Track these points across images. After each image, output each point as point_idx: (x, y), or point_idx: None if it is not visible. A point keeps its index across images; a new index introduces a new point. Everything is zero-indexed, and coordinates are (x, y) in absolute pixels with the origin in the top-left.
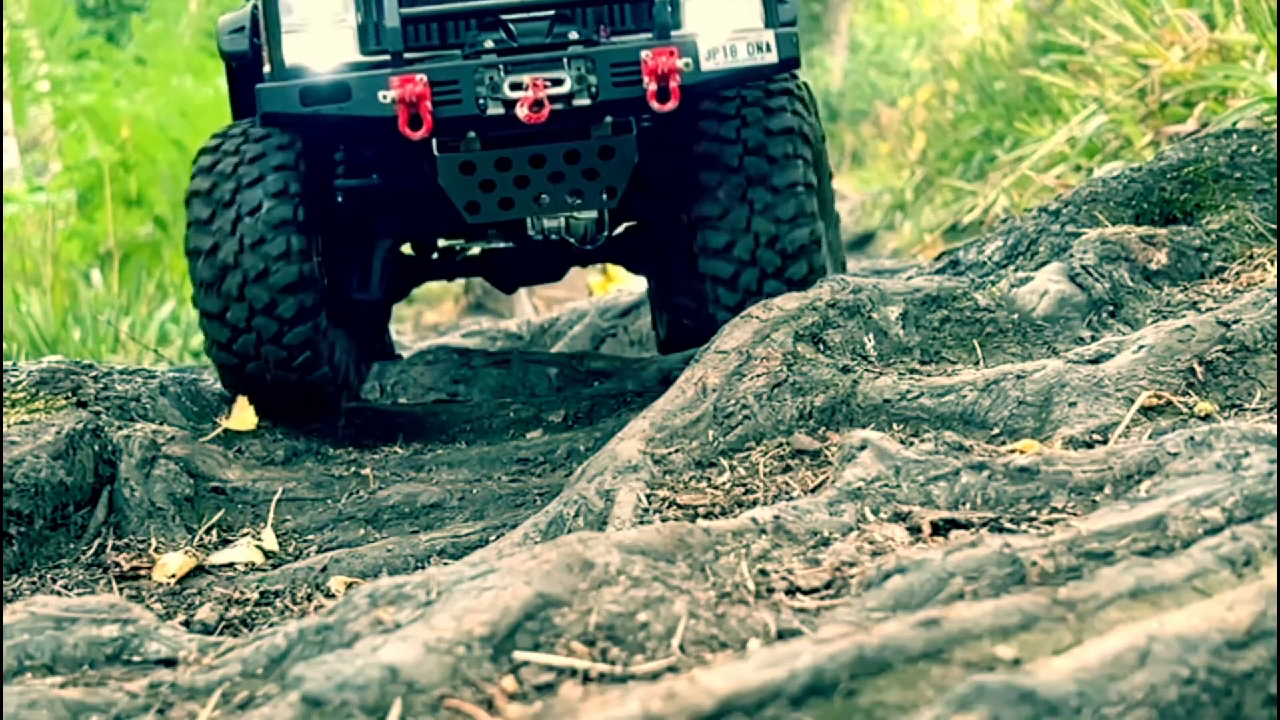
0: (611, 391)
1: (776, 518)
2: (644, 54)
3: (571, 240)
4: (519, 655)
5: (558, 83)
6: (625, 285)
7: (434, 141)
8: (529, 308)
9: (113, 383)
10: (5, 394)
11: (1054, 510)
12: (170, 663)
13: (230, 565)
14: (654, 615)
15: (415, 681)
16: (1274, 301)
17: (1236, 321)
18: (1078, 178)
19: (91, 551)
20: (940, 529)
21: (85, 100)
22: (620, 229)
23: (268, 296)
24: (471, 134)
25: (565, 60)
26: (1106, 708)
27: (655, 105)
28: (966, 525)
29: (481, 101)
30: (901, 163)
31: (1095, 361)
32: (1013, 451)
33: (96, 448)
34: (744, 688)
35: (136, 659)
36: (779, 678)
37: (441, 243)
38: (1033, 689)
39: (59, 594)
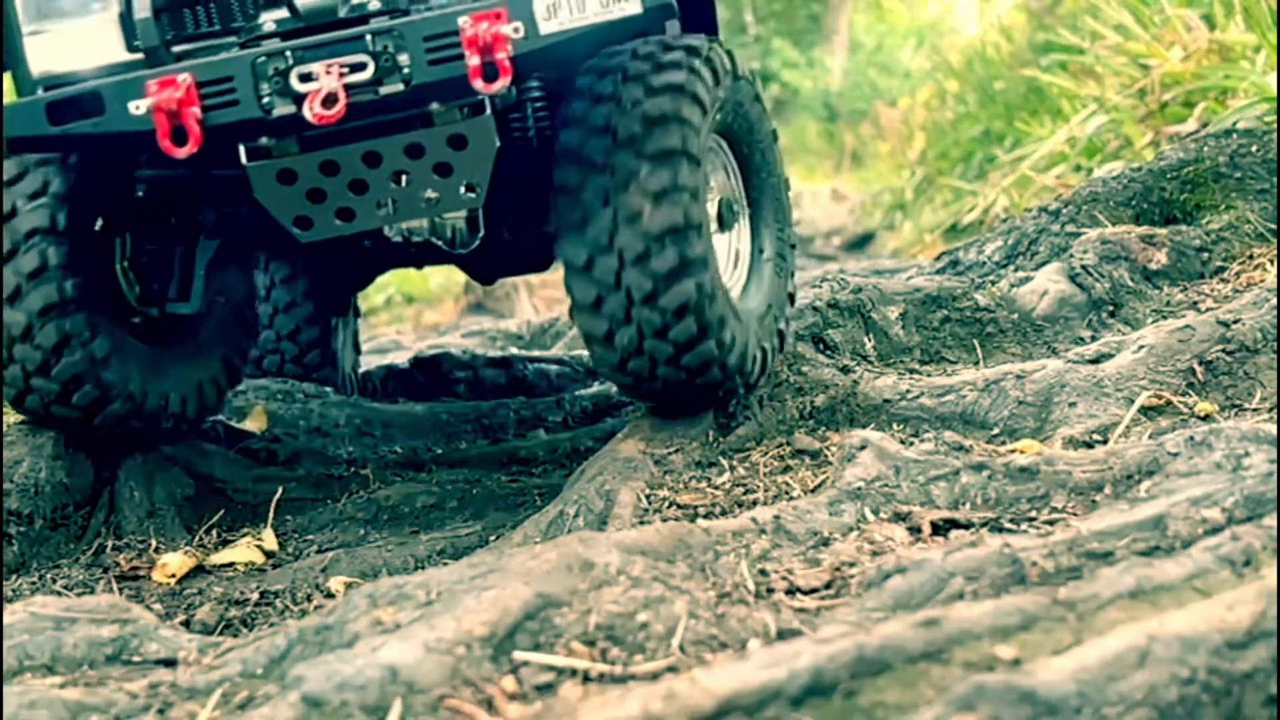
0: (612, 391)
1: (776, 518)
2: (462, 21)
3: (440, 244)
4: (519, 655)
5: (358, 68)
6: None
7: (241, 148)
8: (529, 308)
9: None
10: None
11: (1054, 510)
12: (170, 663)
13: (230, 565)
14: (654, 615)
15: (415, 682)
16: (1274, 301)
17: (1236, 321)
18: (1078, 178)
19: (91, 552)
20: (940, 529)
21: None
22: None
23: (25, 321)
24: (265, 139)
25: (367, 38)
26: (1106, 708)
27: (480, 86)
28: (966, 525)
29: (266, 100)
30: (901, 162)
31: (1095, 361)
32: (1013, 451)
33: (96, 448)
34: (744, 688)
35: (136, 659)
36: (779, 678)
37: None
38: (1033, 689)
39: (59, 594)
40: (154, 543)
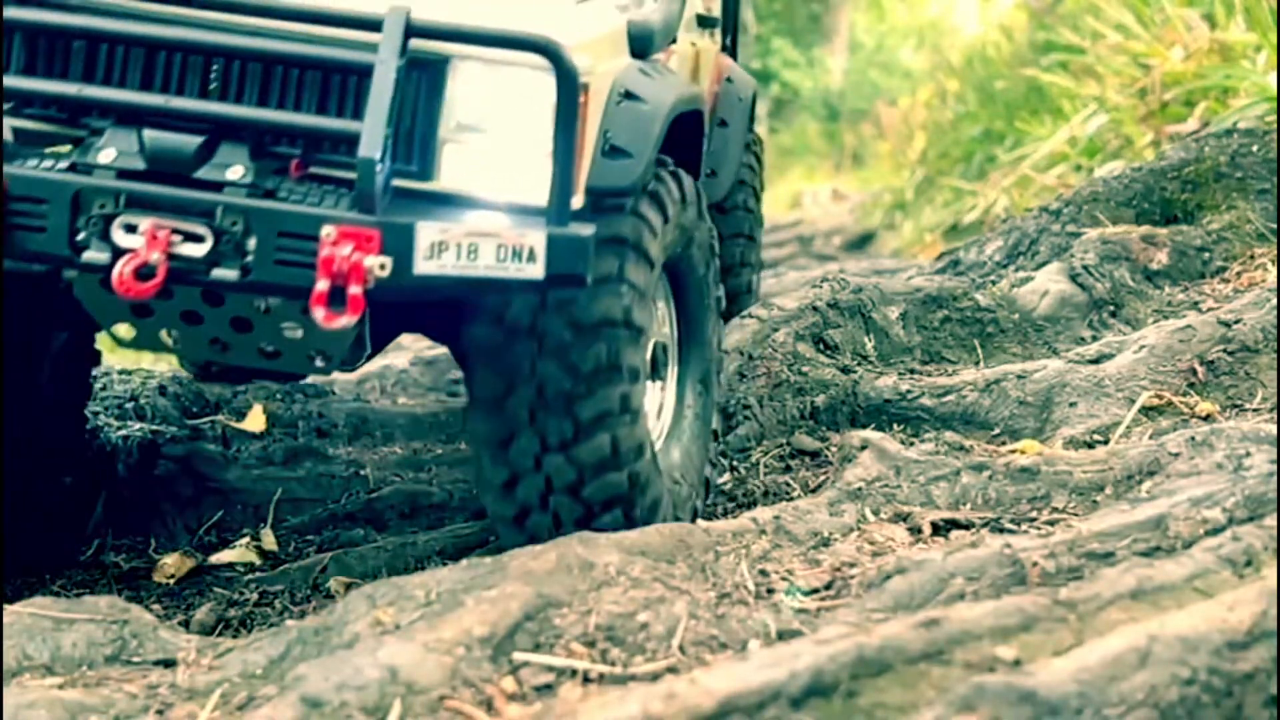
0: None
1: (777, 518)
2: (326, 231)
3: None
4: (519, 656)
5: (193, 238)
6: None
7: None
8: None
9: (112, 383)
10: None
11: (1055, 511)
12: (169, 663)
13: (229, 566)
14: (654, 616)
15: (415, 682)
16: (1275, 301)
17: (1237, 321)
18: (1078, 177)
19: (91, 551)
20: (941, 529)
21: None
22: None
23: None
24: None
25: (218, 209)
26: (1107, 708)
27: (319, 316)
28: (967, 526)
29: (80, 239)
30: (902, 162)
31: (1096, 361)
32: (1013, 452)
33: (96, 448)
34: (744, 688)
35: (135, 660)
36: (779, 678)
37: None
38: (1033, 689)
39: (58, 594)
40: (154, 543)
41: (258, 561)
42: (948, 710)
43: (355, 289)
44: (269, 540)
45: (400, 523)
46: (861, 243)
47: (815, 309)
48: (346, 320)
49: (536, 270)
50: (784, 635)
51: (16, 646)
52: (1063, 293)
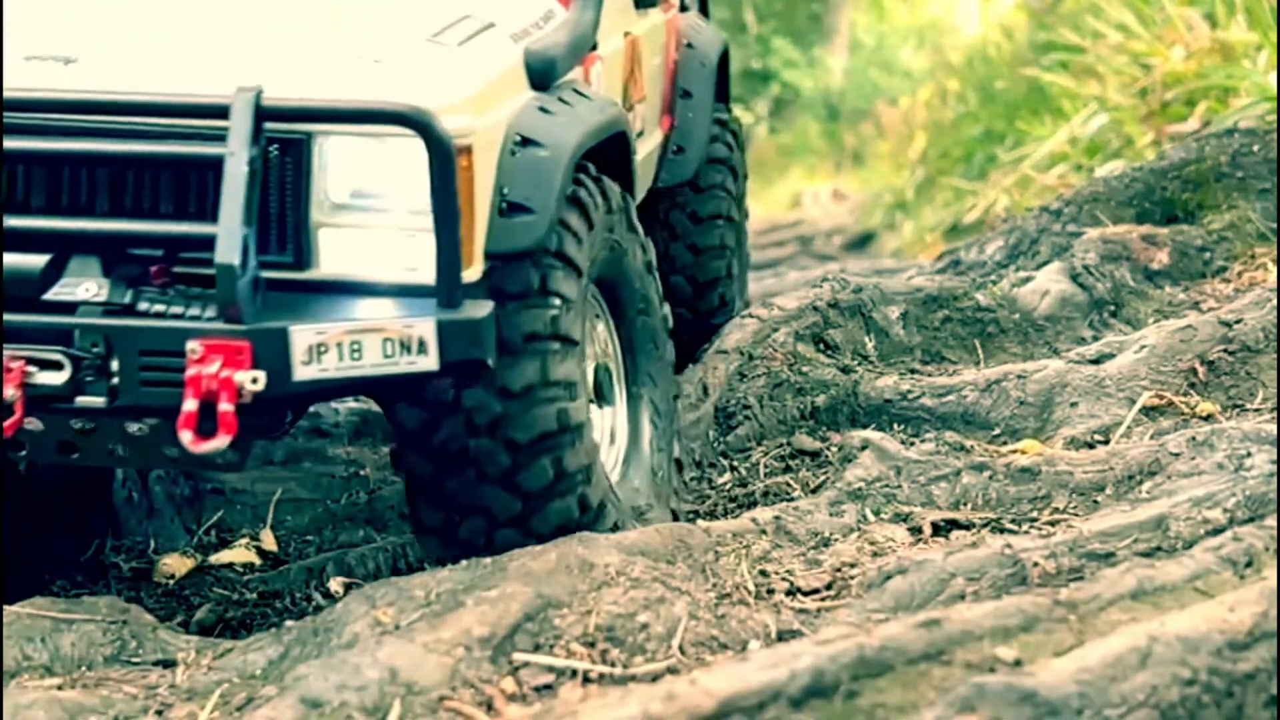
0: None
1: (777, 518)
2: (191, 346)
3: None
4: (519, 656)
5: (50, 366)
6: None
7: None
8: None
9: None
10: None
11: (1055, 511)
12: (169, 664)
13: (229, 566)
14: (654, 616)
15: (415, 682)
16: (1275, 301)
17: (1238, 321)
18: (1079, 177)
19: (91, 552)
20: (941, 530)
21: None
22: None
23: None
24: None
25: (75, 333)
26: (1108, 709)
27: (186, 440)
28: (968, 526)
29: None
30: (902, 162)
31: (1097, 361)
32: (1014, 452)
33: None
34: (744, 689)
35: (135, 660)
36: (779, 679)
37: None
38: (1034, 690)
39: (58, 594)
40: (153, 543)
41: (258, 561)
42: (948, 711)
43: (226, 407)
44: (269, 540)
45: (400, 523)
46: (862, 243)
47: (815, 309)
48: (218, 443)
49: (430, 361)
50: (784, 635)
51: (16, 647)
52: (1063, 292)
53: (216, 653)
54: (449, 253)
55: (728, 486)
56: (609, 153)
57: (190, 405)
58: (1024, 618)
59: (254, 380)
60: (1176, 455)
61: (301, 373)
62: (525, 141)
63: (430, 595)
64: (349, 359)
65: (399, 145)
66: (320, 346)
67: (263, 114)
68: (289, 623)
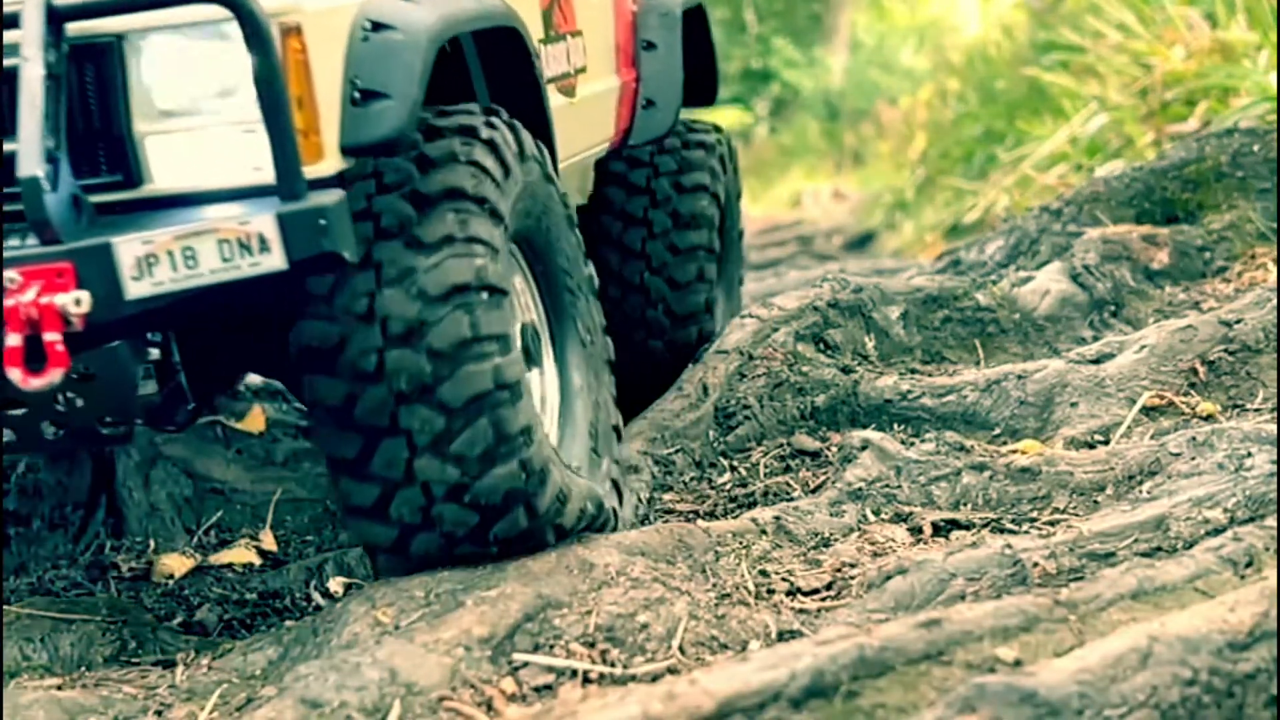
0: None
1: (777, 518)
2: (9, 276)
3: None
4: (519, 656)
5: None
6: None
7: None
8: None
9: None
10: None
11: (1056, 511)
12: (169, 663)
13: (229, 566)
14: (654, 616)
15: (415, 683)
16: (1275, 301)
17: (1239, 321)
18: (1079, 177)
19: (90, 552)
20: (941, 530)
21: None
22: None
23: None
24: None
25: None
26: (1108, 709)
27: (16, 377)
28: (968, 526)
29: None
30: (902, 162)
31: (1097, 361)
32: (1014, 452)
33: (95, 449)
34: (744, 689)
35: (135, 660)
36: (779, 679)
37: None
38: (1034, 690)
39: (58, 595)
40: (153, 543)
41: (258, 561)
42: (948, 711)
43: (52, 336)
44: (269, 540)
45: None
46: (862, 242)
47: (815, 308)
48: (50, 378)
49: (275, 259)
50: (784, 636)
51: (16, 647)
52: (1064, 292)
53: (216, 653)
54: (282, 141)
55: (728, 486)
56: (507, 66)
57: (13, 340)
58: (1024, 618)
59: (77, 302)
60: (1177, 455)
61: (134, 289)
62: (377, 26)
63: (430, 595)
64: (184, 268)
65: (222, 36)
66: (150, 258)
67: (56, 15)
68: (289, 623)
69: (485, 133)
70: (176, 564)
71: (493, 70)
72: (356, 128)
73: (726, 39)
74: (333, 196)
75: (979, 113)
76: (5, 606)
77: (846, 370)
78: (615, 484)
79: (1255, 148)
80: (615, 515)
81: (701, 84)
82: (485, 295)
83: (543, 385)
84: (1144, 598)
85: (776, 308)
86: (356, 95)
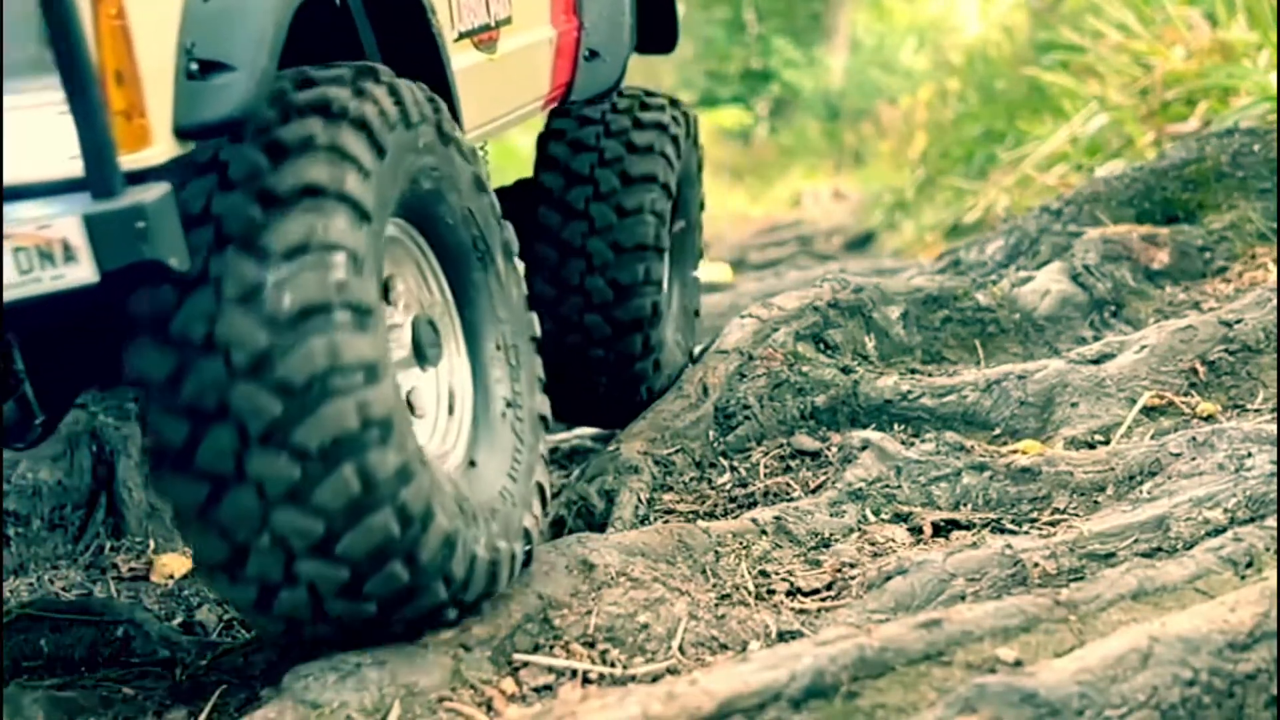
0: None
1: (777, 519)
2: None
3: None
4: (518, 657)
5: None
6: None
7: None
8: None
9: None
10: None
11: (1056, 511)
12: (169, 664)
13: None
14: (654, 617)
15: (414, 683)
16: (1276, 301)
17: (1239, 321)
18: (1079, 177)
19: (90, 552)
20: (941, 530)
21: None
22: None
23: None
24: None
25: None
26: (1108, 709)
27: None
28: (968, 526)
29: None
30: (902, 162)
31: (1097, 361)
32: (1014, 452)
33: (94, 448)
34: (744, 689)
35: (135, 660)
36: (779, 679)
37: None
38: (1034, 690)
39: (57, 595)
40: (153, 543)
41: None
42: (949, 711)
43: None
44: None
45: None
46: (862, 242)
47: (815, 308)
48: None
49: (83, 271)
50: (784, 636)
51: (15, 647)
52: (1064, 292)
53: (216, 653)
54: (90, 127)
55: (728, 487)
56: (400, 18)
57: None
58: (1024, 618)
59: None
60: (1177, 455)
61: None
62: None
63: None
64: None
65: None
66: None
67: None
68: None
69: (353, 107)
70: (176, 564)
71: (386, 26)
72: (193, 106)
73: (726, 39)
74: (153, 192)
75: (979, 113)
76: (5, 606)
77: (846, 370)
78: (540, 489)
79: (1255, 148)
80: (533, 534)
81: (658, 29)
82: (348, 315)
83: (450, 380)
84: (1144, 598)
85: (776, 308)
86: (194, 67)
